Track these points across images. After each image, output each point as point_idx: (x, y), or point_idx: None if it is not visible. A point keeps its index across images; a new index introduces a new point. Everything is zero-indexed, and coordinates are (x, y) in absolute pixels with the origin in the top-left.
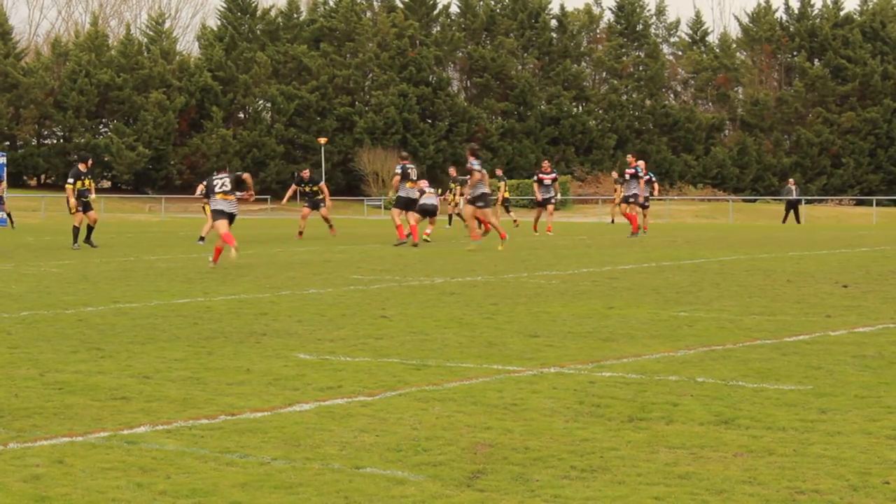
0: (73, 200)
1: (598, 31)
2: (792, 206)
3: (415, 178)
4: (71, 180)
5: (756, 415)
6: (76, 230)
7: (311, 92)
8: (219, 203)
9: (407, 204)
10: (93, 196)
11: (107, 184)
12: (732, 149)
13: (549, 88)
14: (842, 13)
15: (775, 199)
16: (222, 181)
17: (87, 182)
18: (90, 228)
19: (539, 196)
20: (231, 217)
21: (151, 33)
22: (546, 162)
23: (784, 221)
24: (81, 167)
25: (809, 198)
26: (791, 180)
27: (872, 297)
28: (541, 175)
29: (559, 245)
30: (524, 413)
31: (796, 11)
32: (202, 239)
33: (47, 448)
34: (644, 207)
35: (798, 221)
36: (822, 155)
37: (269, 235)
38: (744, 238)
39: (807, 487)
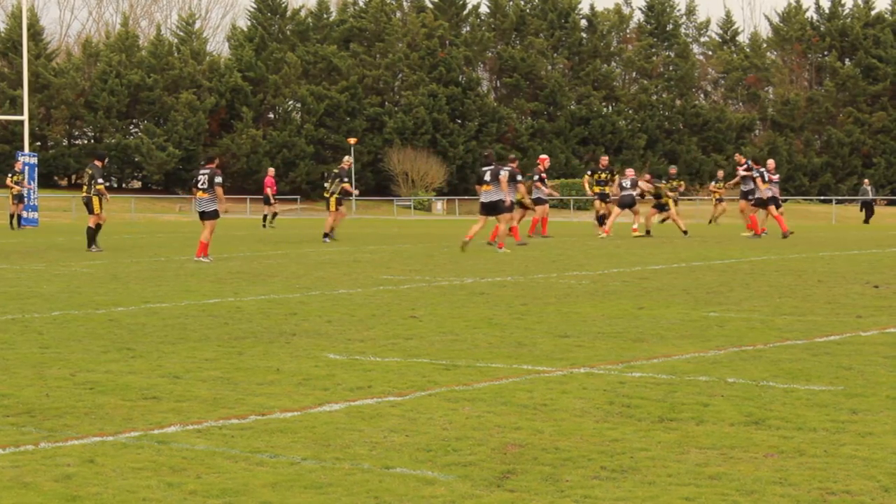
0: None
1: (628, 31)
2: (867, 205)
3: (489, 179)
4: (101, 180)
5: (787, 415)
6: (95, 231)
7: (340, 92)
8: (196, 201)
9: (484, 208)
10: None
11: (137, 184)
12: (763, 149)
13: (579, 88)
14: (873, 13)
15: (852, 200)
16: (204, 177)
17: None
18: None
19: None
20: (204, 215)
21: (182, 34)
22: (739, 156)
23: (866, 221)
24: (100, 164)
25: (840, 198)
26: (866, 180)
27: None
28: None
29: (589, 245)
30: (554, 413)
31: (827, 11)
32: (326, 236)
33: (78, 448)
34: (777, 206)
35: (867, 221)
36: (853, 155)
37: (299, 235)
38: (774, 238)
39: (838, 488)
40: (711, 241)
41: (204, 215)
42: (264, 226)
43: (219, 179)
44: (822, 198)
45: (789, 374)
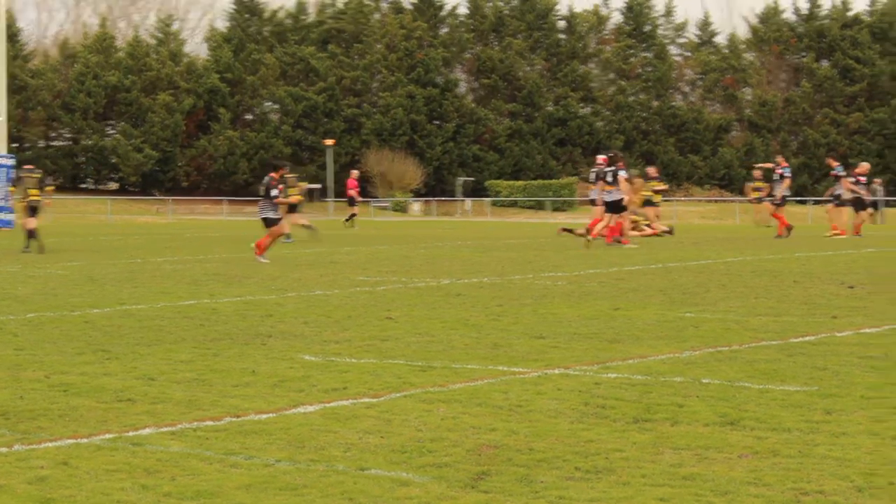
0: None
1: (605, 32)
2: (876, 206)
3: (611, 179)
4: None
5: (761, 416)
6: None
7: (318, 93)
8: None
9: (607, 206)
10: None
11: (114, 185)
12: (740, 150)
13: (557, 89)
14: (850, 14)
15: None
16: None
17: None
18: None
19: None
20: (263, 222)
21: (160, 35)
22: (831, 160)
23: (873, 222)
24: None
25: (817, 198)
26: (878, 180)
27: (878, 298)
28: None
29: (567, 246)
30: (529, 414)
31: (804, 12)
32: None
33: (52, 450)
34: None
35: (882, 222)
36: (830, 156)
37: None
38: (750, 239)
39: (812, 489)
40: (687, 243)
41: (263, 222)
42: (346, 222)
43: (274, 192)
44: (798, 198)
45: (764, 375)
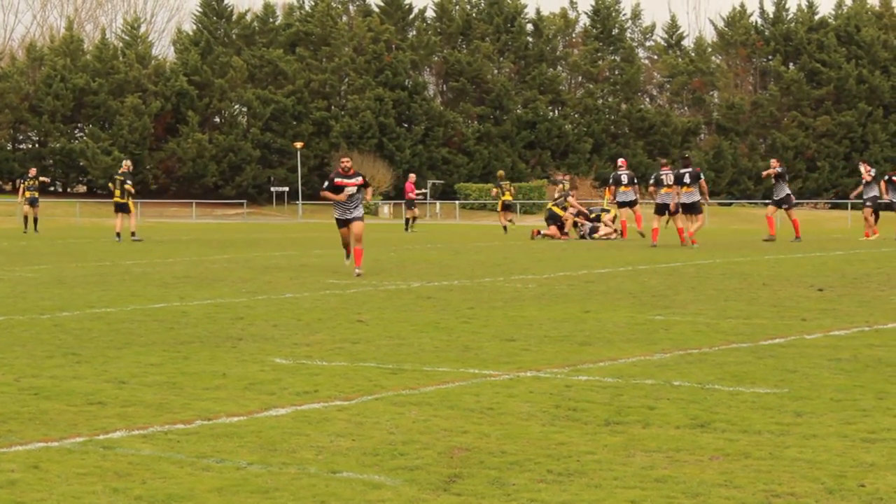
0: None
1: (573, 35)
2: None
3: (670, 182)
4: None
5: (732, 418)
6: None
7: (287, 96)
8: None
9: (659, 209)
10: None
11: (82, 188)
12: (708, 152)
13: (525, 92)
14: (816, 17)
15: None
16: None
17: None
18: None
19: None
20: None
21: (127, 38)
22: (865, 164)
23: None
24: None
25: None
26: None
27: (847, 300)
28: (894, 177)
29: (535, 249)
30: (500, 417)
31: (771, 16)
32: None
33: (22, 454)
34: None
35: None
36: (798, 159)
37: (246, 240)
38: (720, 241)
39: (782, 490)
40: (659, 245)
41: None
42: (406, 230)
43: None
44: (766, 201)
45: (734, 377)
